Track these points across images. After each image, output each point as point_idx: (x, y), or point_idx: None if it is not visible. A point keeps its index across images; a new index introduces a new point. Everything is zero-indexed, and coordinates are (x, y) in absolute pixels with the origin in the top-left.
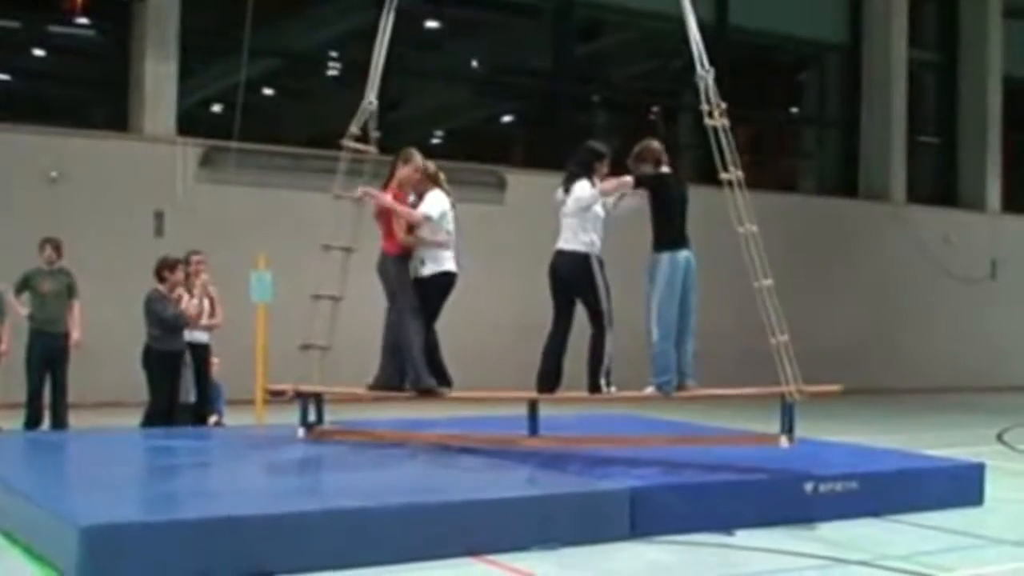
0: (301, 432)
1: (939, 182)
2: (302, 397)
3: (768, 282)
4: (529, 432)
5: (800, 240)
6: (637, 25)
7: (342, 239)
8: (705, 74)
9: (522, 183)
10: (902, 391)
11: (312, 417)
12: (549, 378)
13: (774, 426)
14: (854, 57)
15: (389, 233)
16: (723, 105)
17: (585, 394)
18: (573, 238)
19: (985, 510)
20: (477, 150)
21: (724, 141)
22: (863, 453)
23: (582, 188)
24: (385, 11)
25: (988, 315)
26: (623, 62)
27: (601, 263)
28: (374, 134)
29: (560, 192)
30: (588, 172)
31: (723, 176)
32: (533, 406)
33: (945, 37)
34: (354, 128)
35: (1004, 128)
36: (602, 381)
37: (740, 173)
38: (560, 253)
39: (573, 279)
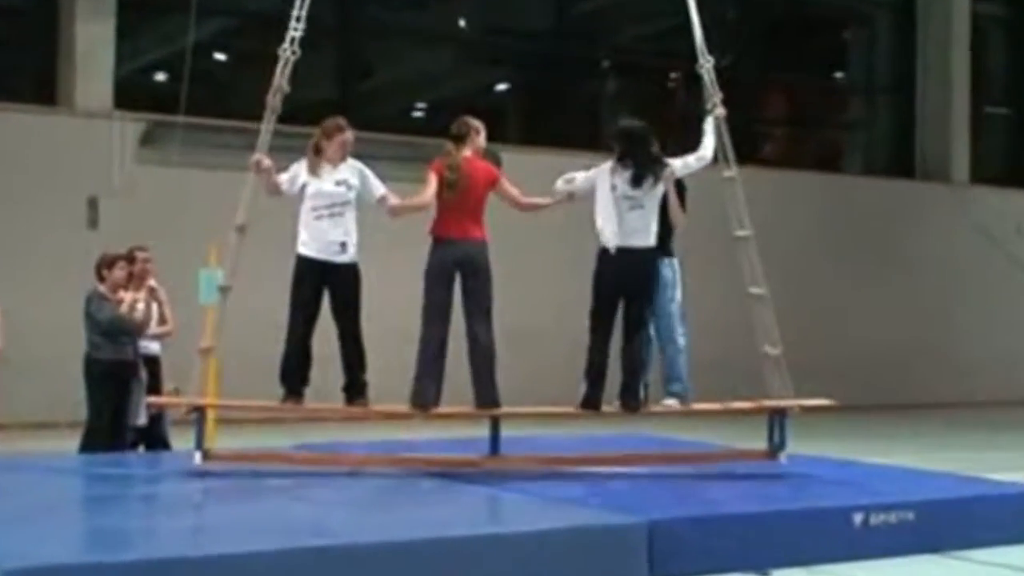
0: (198, 458)
1: (1008, 160)
2: (198, 412)
3: (761, 290)
4: (490, 451)
5: (844, 227)
6: None
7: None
8: (706, 64)
9: (520, 162)
10: (963, 404)
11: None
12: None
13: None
14: (908, 12)
15: (482, 215)
16: (720, 95)
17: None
18: (652, 231)
19: None
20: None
21: (724, 135)
22: (919, 478)
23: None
24: None
25: None
26: (636, 20)
27: None
28: (285, 88)
29: (626, 186)
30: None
31: (725, 174)
32: (495, 423)
33: None
34: (283, 82)
35: None
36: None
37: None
38: (640, 251)
39: (650, 281)
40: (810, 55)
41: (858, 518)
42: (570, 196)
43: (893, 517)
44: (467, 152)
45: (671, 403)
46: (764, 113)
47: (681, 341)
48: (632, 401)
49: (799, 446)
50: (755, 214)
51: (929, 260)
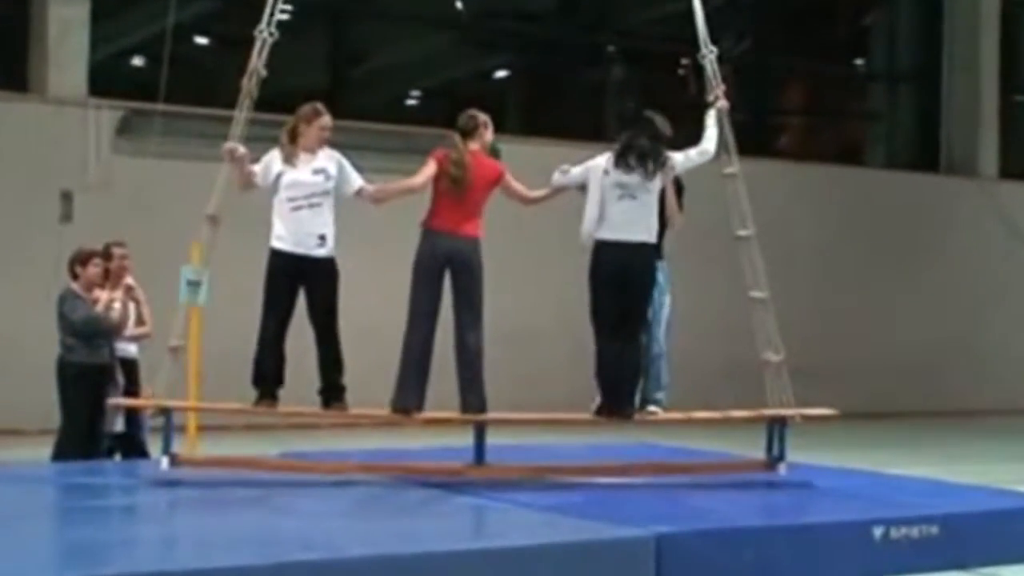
0: (165, 463)
1: None
2: (164, 414)
3: (763, 294)
4: (475, 460)
5: (864, 224)
6: None
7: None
8: (709, 54)
9: (519, 154)
10: (991, 411)
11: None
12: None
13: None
14: None
15: (480, 213)
16: (723, 87)
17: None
18: (649, 226)
19: None
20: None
21: (726, 128)
22: (945, 490)
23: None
24: None
25: None
26: (643, 2)
27: None
28: (262, 72)
29: (619, 173)
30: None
31: (727, 170)
32: (480, 430)
33: None
34: (260, 66)
35: None
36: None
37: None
38: (631, 246)
39: (645, 280)
40: (829, 41)
41: (878, 532)
42: (565, 188)
43: (916, 531)
44: (474, 147)
45: (655, 410)
46: (780, 103)
47: (664, 344)
48: (627, 408)
49: (820, 456)
50: (769, 209)
51: (955, 259)
